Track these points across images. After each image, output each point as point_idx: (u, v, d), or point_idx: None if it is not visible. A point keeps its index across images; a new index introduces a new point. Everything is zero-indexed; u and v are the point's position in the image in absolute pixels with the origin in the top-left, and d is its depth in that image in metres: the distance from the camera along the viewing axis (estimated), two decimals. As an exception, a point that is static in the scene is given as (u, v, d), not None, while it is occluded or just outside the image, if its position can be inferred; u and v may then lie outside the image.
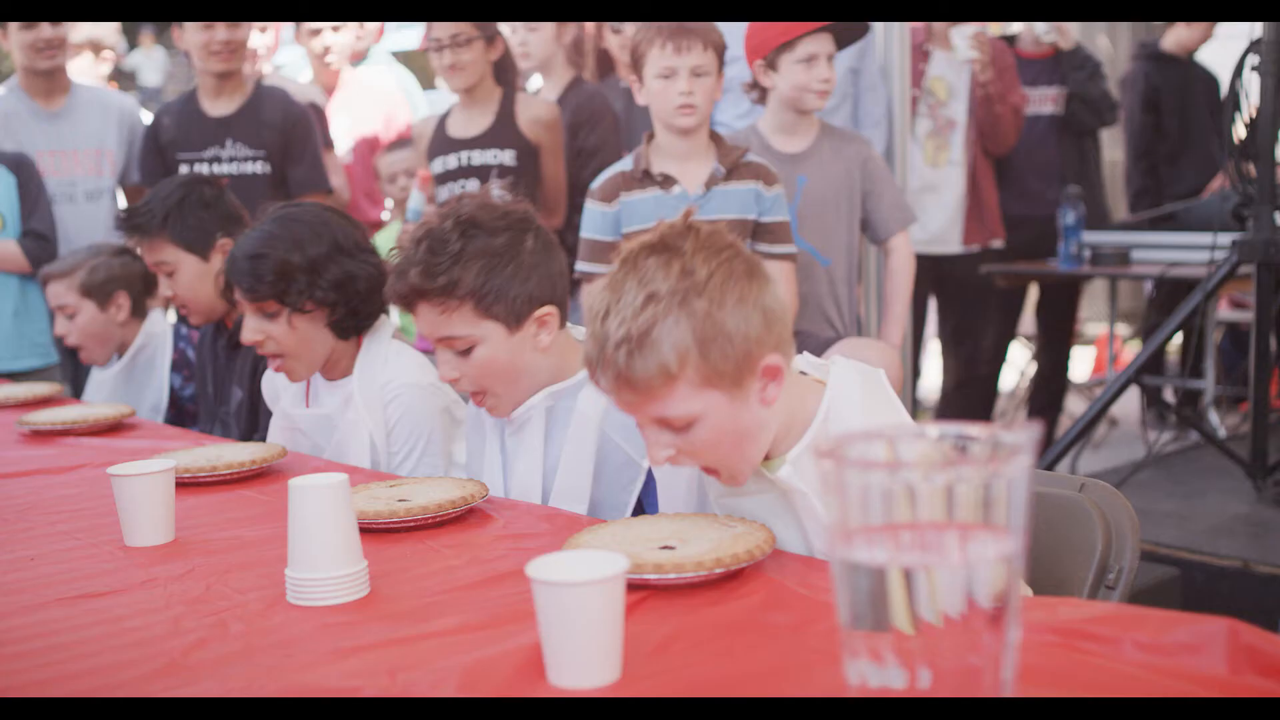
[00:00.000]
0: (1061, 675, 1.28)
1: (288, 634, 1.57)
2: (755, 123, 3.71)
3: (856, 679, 1.15)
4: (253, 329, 2.67)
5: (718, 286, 1.64)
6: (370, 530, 1.96)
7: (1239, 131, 3.86)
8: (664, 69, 3.25)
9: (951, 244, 5.19)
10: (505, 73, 4.29)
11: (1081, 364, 7.37)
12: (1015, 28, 5.81)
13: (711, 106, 3.33)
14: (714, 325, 1.63)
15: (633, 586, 1.57)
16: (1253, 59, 3.84)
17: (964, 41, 5.18)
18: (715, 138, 3.38)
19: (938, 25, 5.18)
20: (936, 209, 5.19)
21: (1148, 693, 1.22)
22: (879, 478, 1.10)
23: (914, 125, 5.13)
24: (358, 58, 5.58)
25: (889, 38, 4.72)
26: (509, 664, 1.40)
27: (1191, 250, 4.58)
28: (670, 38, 3.23)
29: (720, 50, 3.30)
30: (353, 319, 2.69)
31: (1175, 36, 5.86)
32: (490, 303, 2.17)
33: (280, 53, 5.90)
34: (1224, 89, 4.39)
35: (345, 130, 5.27)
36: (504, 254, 2.17)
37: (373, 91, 5.45)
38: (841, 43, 3.54)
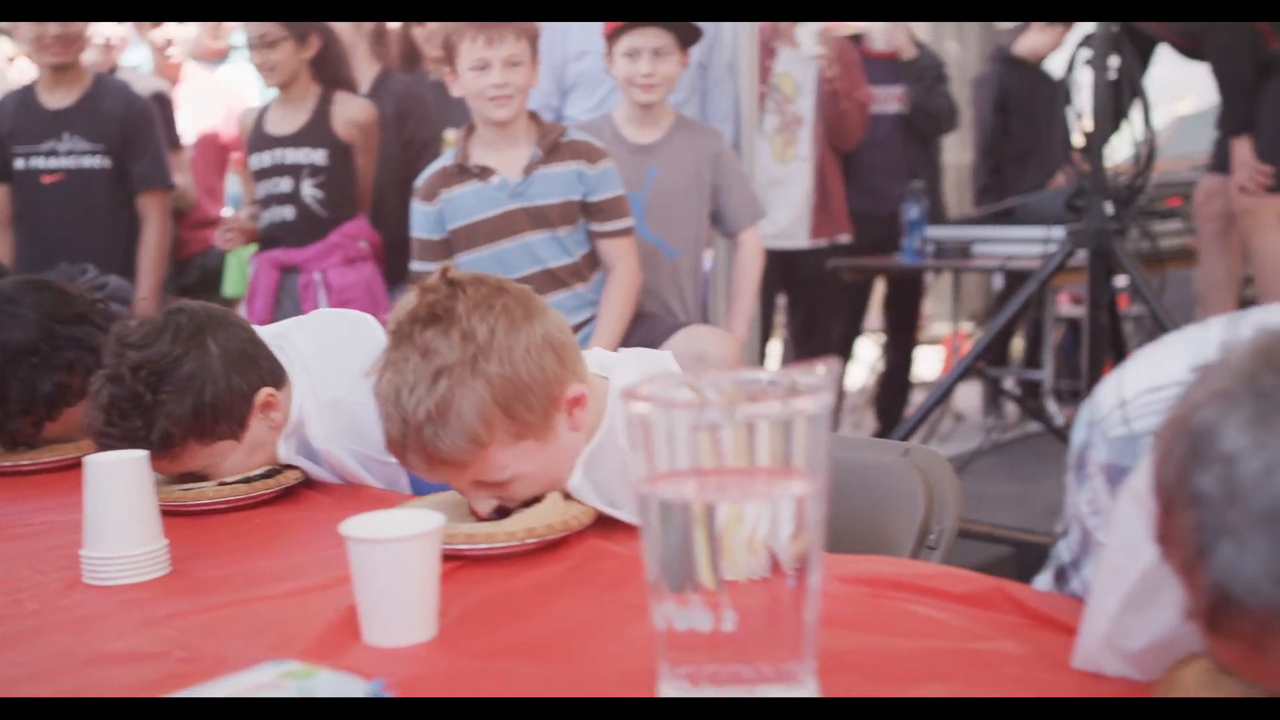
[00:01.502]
0: (864, 620, 1.31)
1: (85, 611, 1.52)
2: (610, 112, 3.73)
3: (663, 623, 1.15)
4: None
5: (503, 341, 1.62)
6: (178, 513, 1.90)
7: (1072, 124, 3.96)
8: (477, 61, 3.25)
9: (799, 239, 5.24)
10: (328, 71, 4.26)
11: (931, 363, 7.50)
12: (861, 26, 5.89)
13: (527, 95, 3.34)
14: (510, 383, 1.61)
15: (448, 557, 1.56)
16: (1085, 53, 3.94)
17: (810, 39, 5.24)
18: (535, 121, 3.38)
19: (783, 23, 5.24)
20: (784, 204, 5.23)
21: (941, 636, 1.26)
22: (683, 416, 1.10)
23: (761, 121, 5.17)
24: (217, 55, 5.50)
25: (737, 34, 4.76)
26: (322, 623, 1.38)
27: (1030, 244, 4.69)
28: (482, 29, 3.24)
29: (533, 38, 3.31)
30: None
31: (1028, 42, 6.01)
32: (210, 430, 1.98)
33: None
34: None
35: (187, 125, 5.17)
36: (197, 375, 1.95)
37: (218, 87, 5.37)
38: (685, 41, 3.58)
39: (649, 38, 3.52)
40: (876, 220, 5.49)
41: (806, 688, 1.13)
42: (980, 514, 3.80)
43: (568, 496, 1.70)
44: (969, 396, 6.26)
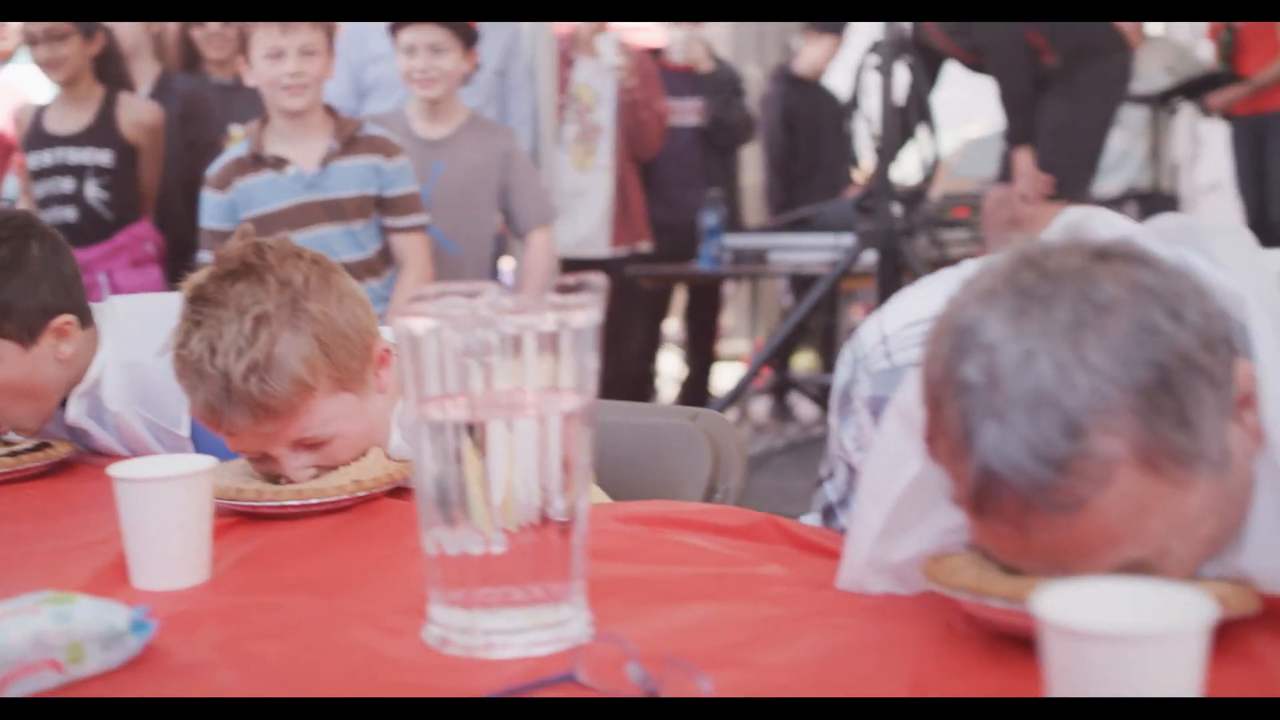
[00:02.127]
0: (636, 551, 1.33)
1: None
2: (404, 107, 3.72)
3: (434, 549, 1.15)
4: None
5: (318, 288, 1.60)
6: None
7: (860, 128, 4.07)
8: (271, 49, 3.21)
9: (600, 247, 5.28)
10: (109, 71, 4.18)
11: (731, 379, 7.58)
12: (661, 38, 5.96)
13: (322, 85, 3.31)
14: (331, 325, 1.59)
15: (269, 515, 1.53)
16: (873, 59, 4.05)
17: (610, 49, 5.30)
18: (331, 114, 3.36)
19: (583, 32, 5.29)
20: (585, 213, 5.27)
21: (710, 563, 1.29)
22: (453, 335, 1.10)
23: (561, 130, 5.21)
24: (2, 57, 5.32)
25: (536, 41, 4.79)
26: (92, 570, 1.35)
27: (824, 250, 4.79)
28: None
29: (329, 29, 3.30)
30: None
31: (806, 59, 6.15)
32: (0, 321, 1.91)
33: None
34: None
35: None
36: (8, 266, 1.92)
37: (2, 88, 5.19)
38: (465, 39, 3.61)
39: (425, 34, 3.56)
40: (675, 229, 5.55)
41: (576, 608, 1.14)
42: (778, 507, 3.84)
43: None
44: (764, 409, 6.36)
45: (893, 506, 1.17)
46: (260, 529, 1.51)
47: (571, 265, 5.16)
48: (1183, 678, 0.78)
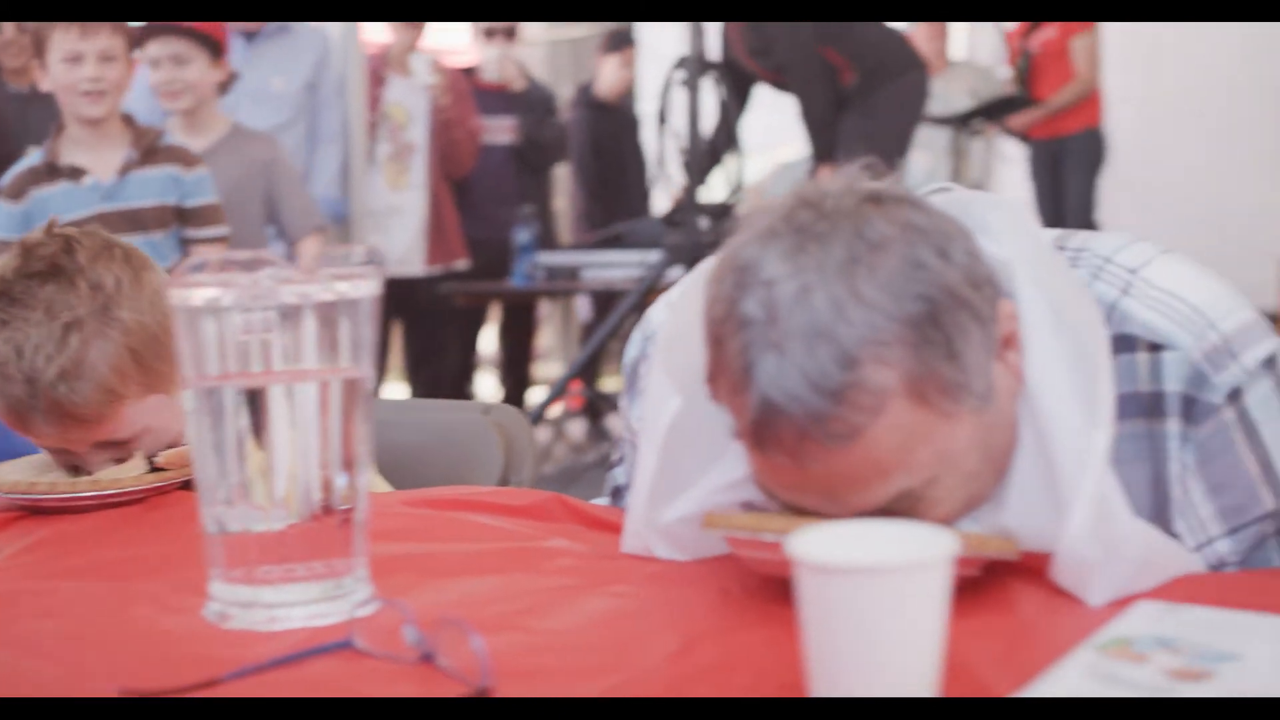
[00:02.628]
0: (423, 531, 1.34)
1: None
2: (166, 119, 3.70)
3: (214, 526, 1.14)
4: None
5: (130, 290, 1.57)
6: None
7: (669, 142, 4.13)
8: (69, 53, 3.14)
9: (415, 265, 5.27)
10: None
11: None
12: (474, 57, 5.98)
13: (121, 94, 3.25)
14: (143, 331, 1.57)
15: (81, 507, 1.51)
16: (679, 74, 4.12)
17: (424, 67, 5.30)
18: (129, 123, 3.30)
19: (395, 50, 5.28)
20: (400, 231, 5.26)
21: (497, 539, 1.31)
22: (232, 311, 1.10)
23: (374, 149, 5.19)
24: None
25: (346, 56, 4.78)
26: None
27: (634, 267, 4.85)
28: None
29: (129, 35, 3.24)
30: None
31: (603, 80, 6.23)
32: None
33: None
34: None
35: None
36: None
37: None
38: (212, 49, 3.59)
39: (168, 45, 3.57)
40: (489, 247, 5.56)
41: (359, 581, 1.14)
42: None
43: None
44: (580, 429, 6.39)
45: (661, 445, 1.20)
46: (49, 521, 1.48)
47: (386, 285, 5.12)
48: (923, 610, 0.82)
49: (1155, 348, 1.14)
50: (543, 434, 5.95)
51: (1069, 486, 1.05)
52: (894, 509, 1.06)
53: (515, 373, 6.12)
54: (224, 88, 3.77)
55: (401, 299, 5.27)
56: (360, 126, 4.84)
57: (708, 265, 1.12)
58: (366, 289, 1.12)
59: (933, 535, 0.85)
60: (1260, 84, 7.25)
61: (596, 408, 6.03)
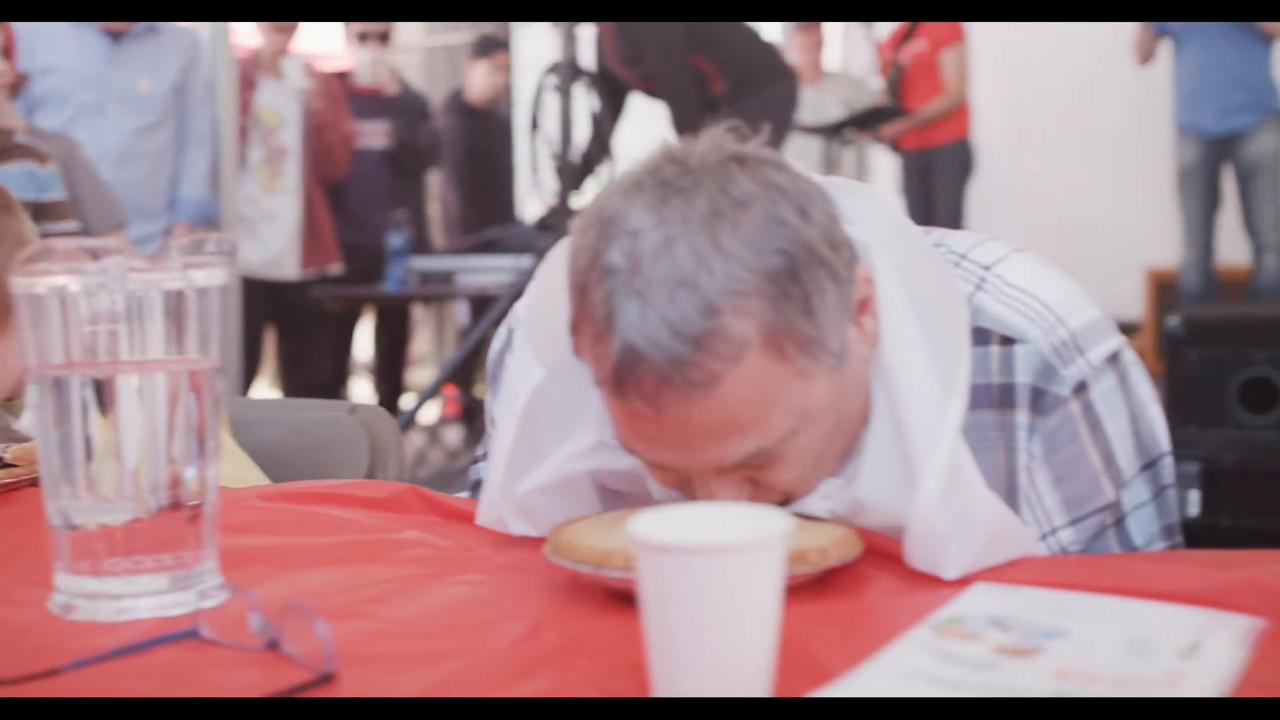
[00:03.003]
0: (277, 524, 1.33)
1: None
2: None
3: (59, 519, 1.13)
4: None
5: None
6: None
7: (540, 148, 4.14)
8: None
9: (289, 269, 5.23)
10: None
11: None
12: (347, 61, 5.94)
13: None
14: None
15: None
16: (551, 80, 4.13)
17: (296, 71, 5.26)
18: None
19: (266, 53, 5.23)
20: (273, 235, 5.21)
21: (350, 532, 1.31)
22: (78, 290, 1.08)
23: (247, 153, 5.14)
24: None
25: (216, 58, 4.72)
26: None
27: (508, 273, 4.85)
28: None
29: None
30: None
31: (473, 85, 6.23)
32: None
33: None
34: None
35: None
36: None
37: None
38: None
39: None
40: (363, 251, 5.53)
41: (208, 573, 1.13)
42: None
43: None
44: (457, 434, 6.37)
45: (520, 416, 1.22)
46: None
47: (259, 289, 5.09)
48: (757, 590, 0.83)
49: (1007, 341, 1.18)
50: (418, 439, 5.93)
51: (922, 456, 1.08)
52: (749, 465, 1.09)
53: (389, 377, 6.09)
54: (14, 90, 3.69)
55: (275, 303, 5.23)
56: (231, 129, 4.79)
57: (570, 241, 1.13)
58: (217, 278, 1.11)
59: (770, 517, 0.87)
60: (1128, 95, 7.44)
61: (472, 413, 6.01)
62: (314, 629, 0.95)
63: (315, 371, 5.50)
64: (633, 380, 1.04)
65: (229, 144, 4.77)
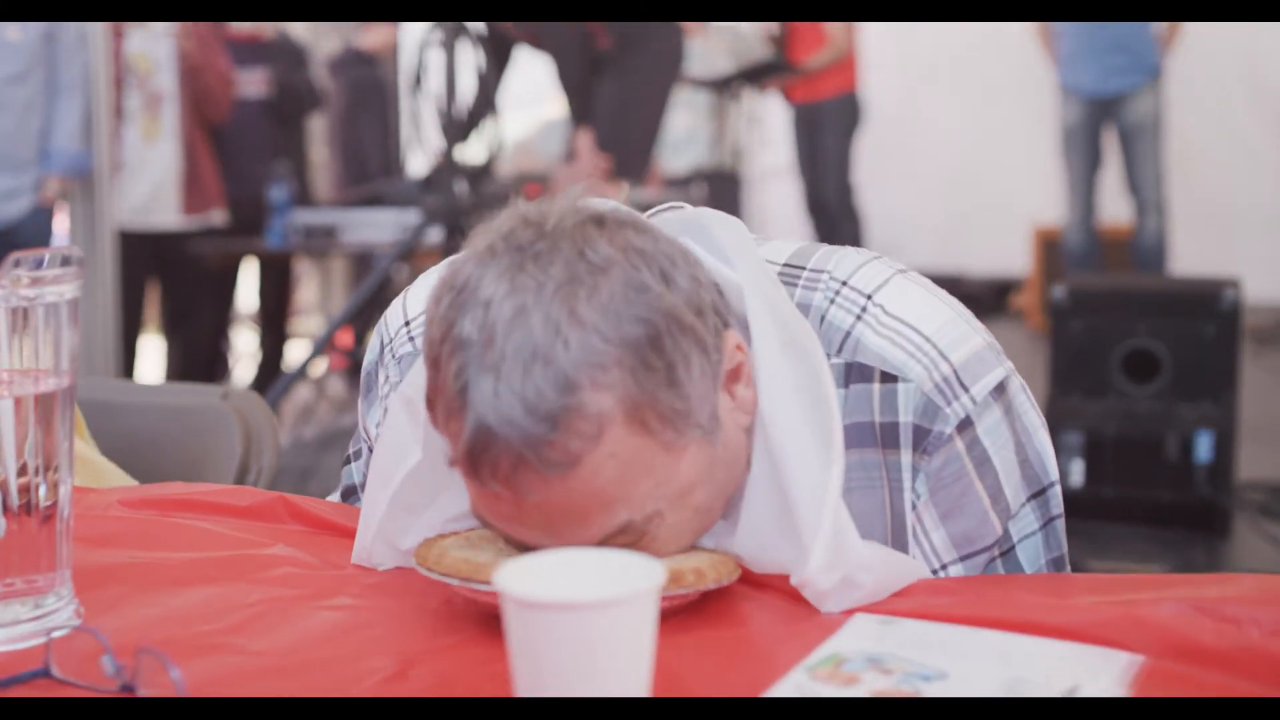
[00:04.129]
0: (139, 537, 1.28)
1: None
2: None
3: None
4: None
5: None
6: None
7: (424, 104, 4.06)
8: None
9: (169, 215, 5.11)
10: None
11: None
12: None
13: None
14: None
15: None
16: (436, 35, 4.05)
17: (166, 18, 5.13)
18: None
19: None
20: (154, 182, 5.09)
21: (215, 546, 1.26)
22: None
23: (125, 101, 5.02)
24: None
25: (86, 5, 4.58)
26: None
27: (392, 228, 4.77)
28: None
29: None
30: None
31: (371, 38, 6.12)
32: None
33: None
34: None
35: None
36: None
37: None
38: None
39: None
40: (245, 204, 5.42)
41: (61, 600, 1.08)
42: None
43: None
44: (342, 386, 6.29)
45: (396, 490, 1.17)
46: None
47: (141, 242, 4.97)
48: (625, 642, 0.81)
49: (887, 378, 1.14)
50: (305, 393, 5.85)
51: (806, 524, 1.04)
52: (616, 544, 1.04)
53: (273, 331, 5.99)
54: None
55: (156, 256, 5.12)
56: (104, 77, 4.65)
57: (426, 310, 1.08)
58: (67, 292, 1.06)
59: (642, 566, 0.84)
60: (1015, 49, 7.49)
61: (358, 366, 5.93)
62: (169, 674, 0.91)
63: (199, 324, 5.40)
64: (487, 461, 0.98)
65: (102, 92, 4.63)
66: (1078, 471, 3.10)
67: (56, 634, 1.03)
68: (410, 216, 4.49)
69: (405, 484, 1.17)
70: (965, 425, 1.14)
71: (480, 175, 4.09)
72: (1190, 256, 6.38)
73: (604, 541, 1.03)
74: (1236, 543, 3.02)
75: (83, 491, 1.45)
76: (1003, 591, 1.07)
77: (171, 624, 1.07)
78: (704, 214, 1.16)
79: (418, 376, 1.12)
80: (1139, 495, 3.06)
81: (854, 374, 1.15)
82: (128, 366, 5.00)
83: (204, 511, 1.35)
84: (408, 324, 1.33)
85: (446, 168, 4.08)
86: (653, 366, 0.99)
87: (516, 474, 0.98)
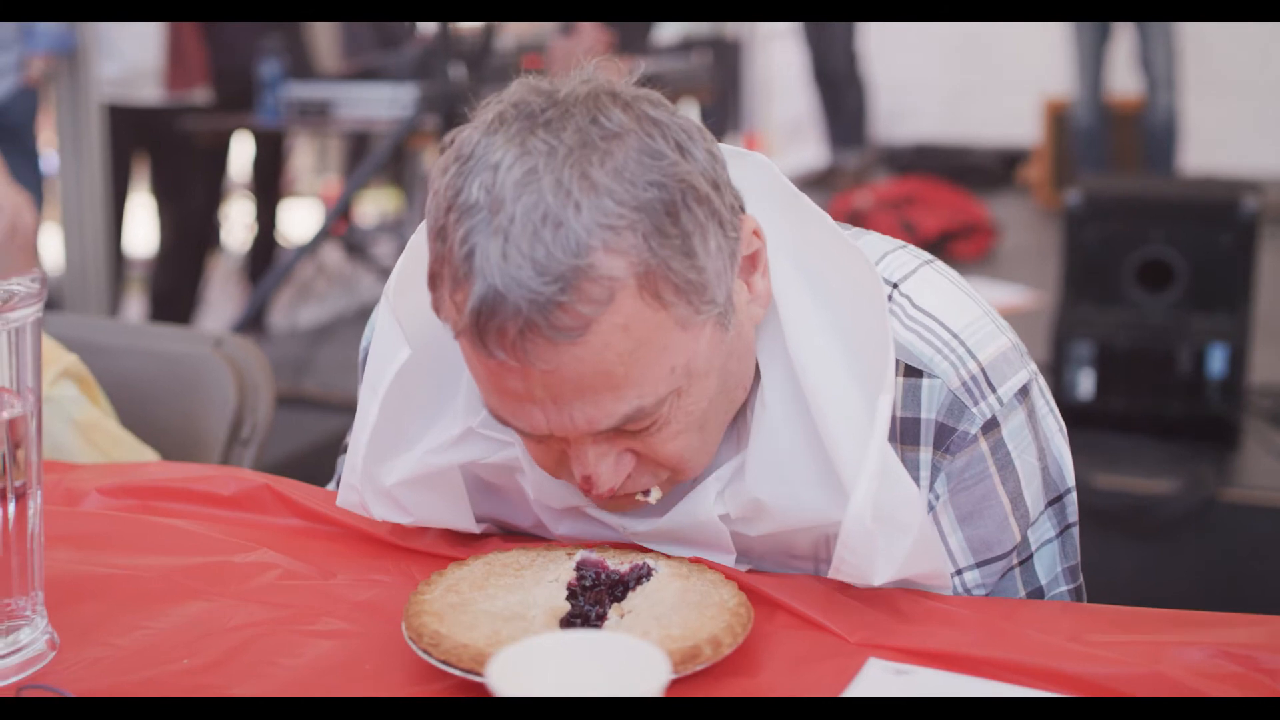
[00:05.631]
0: (120, 539, 1.23)
1: None
2: None
3: None
4: None
5: None
6: None
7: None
8: None
9: (149, 89, 4.97)
10: None
11: (305, 221, 7.36)
12: None
13: None
14: None
15: None
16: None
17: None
18: None
19: None
20: (133, 49, 4.94)
21: (197, 552, 1.21)
22: None
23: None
24: None
25: None
26: None
27: (387, 105, 4.64)
28: None
29: None
30: None
31: None
32: None
33: None
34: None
35: None
36: None
37: None
38: None
39: None
40: (233, 75, 5.27)
41: (35, 630, 1.04)
42: (347, 381, 3.74)
43: None
44: (337, 258, 6.20)
45: (384, 396, 1.13)
46: None
47: (127, 116, 4.86)
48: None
49: (912, 373, 1.09)
50: (305, 270, 5.77)
51: (845, 456, 1.01)
52: (629, 430, 1.01)
53: (267, 201, 5.88)
54: None
55: (144, 130, 5.00)
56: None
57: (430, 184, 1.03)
58: (30, 315, 0.99)
59: (640, 656, 0.79)
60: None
61: (354, 241, 5.86)
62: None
63: (191, 197, 5.29)
64: (494, 327, 0.94)
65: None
66: (1088, 382, 3.04)
67: (26, 691, 0.99)
68: (407, 92, 4.38)
69: (395, 386, 1.12)
70: (991, 426, 1.09)
71: (478, 55, 3.97)
72: (1203, 134, 6.24)
73: (616, 427, 0.99)
74: (1246, 457, 2.98)
75: (62, 470, 1.40)
76: (1018, 627, 1.02)
77: (150, 658, 1.02)
78: (730, 149, 1.10)
79: (410, 263, 1.09)
80: (1149, 408, 3.01)
81: None
82: (116, 237, 4.92)
83: (186, 501, 1.30)
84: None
85: (441, 51, 3.95)
86: (667, 233, 0.95)
87: (524, 340, 0.94)
